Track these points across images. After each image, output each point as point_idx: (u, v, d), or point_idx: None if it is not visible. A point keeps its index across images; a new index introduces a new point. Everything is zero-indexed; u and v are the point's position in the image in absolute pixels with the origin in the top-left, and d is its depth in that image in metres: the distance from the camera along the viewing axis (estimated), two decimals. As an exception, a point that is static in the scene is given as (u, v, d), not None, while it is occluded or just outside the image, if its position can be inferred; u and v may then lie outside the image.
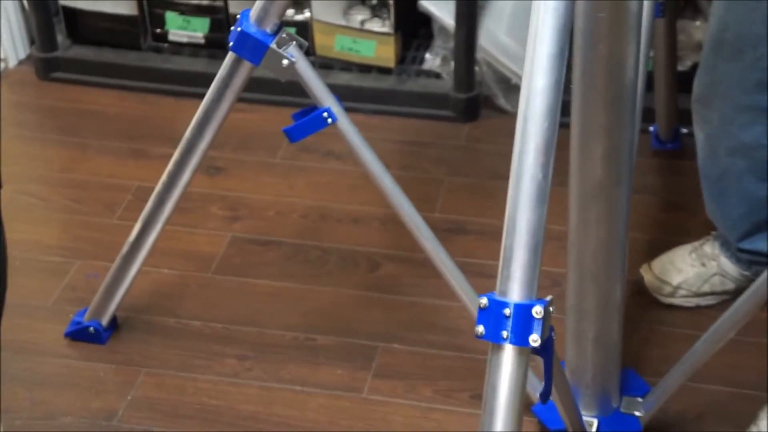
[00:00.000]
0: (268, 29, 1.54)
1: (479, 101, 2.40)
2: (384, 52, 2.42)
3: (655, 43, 2.01)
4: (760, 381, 1.73)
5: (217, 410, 1.73)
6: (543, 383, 1.16)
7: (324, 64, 2.44)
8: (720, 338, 1.51)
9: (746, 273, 1.86)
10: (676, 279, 1.88)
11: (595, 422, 1.60)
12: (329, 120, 1.60)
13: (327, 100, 1.59)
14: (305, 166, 2.26)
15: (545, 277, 1.89)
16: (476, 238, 2.06)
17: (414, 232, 1.67)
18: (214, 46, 2.50)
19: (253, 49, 1.54)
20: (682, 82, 2.09)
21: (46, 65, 2.53)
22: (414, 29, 2.51)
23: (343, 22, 2.42)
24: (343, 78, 2.43)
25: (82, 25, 2.54)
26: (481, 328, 1.06)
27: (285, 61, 1.55)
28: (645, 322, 1.87)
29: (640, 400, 1.64)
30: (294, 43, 1.56)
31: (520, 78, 2.26)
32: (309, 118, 1.60)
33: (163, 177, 1.69)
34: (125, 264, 1.77)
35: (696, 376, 1.59)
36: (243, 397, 1.75)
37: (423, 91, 2.41)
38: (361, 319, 1.89)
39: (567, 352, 1.58)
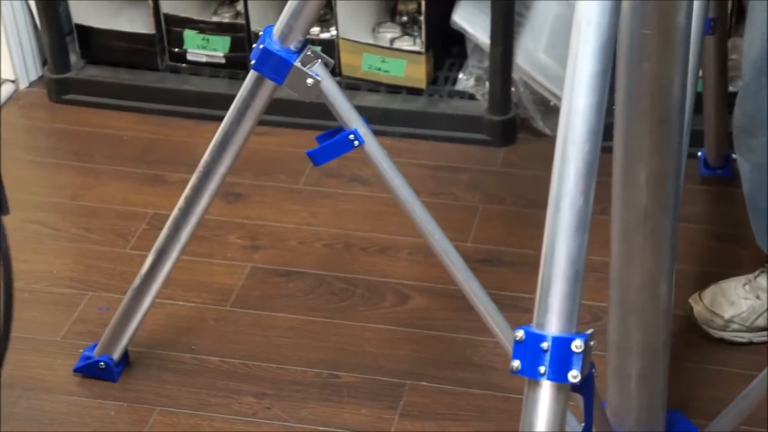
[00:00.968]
0: (292, 47, 1.54)
1: (516, 124, 2.40)
2: (415, 72, 2.42)
3: (704, 61, 2.00)
4: (820, 425, 1.71)
5: (235, 452, 1.73)
6: (582, 424, 1.14)
7: (350, 85, 2.45)
8: (776, 379, 1.49)
9: (803, 308, 1.85)
10: (728, 312, 1.87)
11: (640, 468, 1.58)
12: (356, 142, 1.59)
13: (354, 121, 1.59)
14: (330, 192, 2.26)
15: (585, 312, 1.89)
16: (511, 270, 2.06)
17: (445, 263, 1.66)
18: (235, 66, 2.51)
19: (276, 67, 1.54)
20: (734, 104, 2.07)
21: (58, 87, 2.54)
22: (447, 48, 2.51)
23: (371, 41, 2.43)
24: (371, 99, 2.44)
25: (96, 45, 2.56)
26: (516, 363, 1.06)
27: (310, 80, 1.55)
28: (693, 361, 1.86)
29: (688, 444, 1.62)
30: (319, 61, 1.56)
31: (559, 99, 2.26)
32: (334, 141, 1.60)
33: (180, 203, 1.69)
34: (138, 296, 1.77)
35: (750, 419, 1.57)
36: (262, 438, 1.75)
37: (456, 113, 2.41)
38: (388, 355, 1.88)
39: (608, 391, 1.56)
